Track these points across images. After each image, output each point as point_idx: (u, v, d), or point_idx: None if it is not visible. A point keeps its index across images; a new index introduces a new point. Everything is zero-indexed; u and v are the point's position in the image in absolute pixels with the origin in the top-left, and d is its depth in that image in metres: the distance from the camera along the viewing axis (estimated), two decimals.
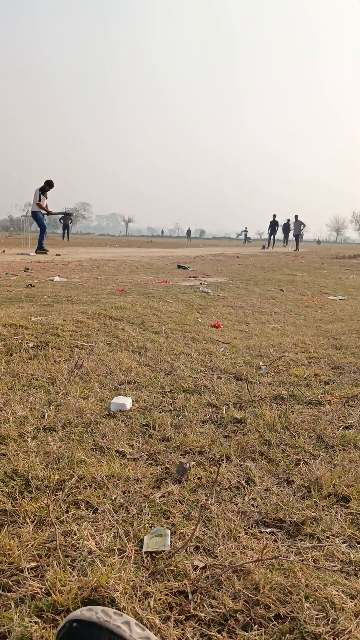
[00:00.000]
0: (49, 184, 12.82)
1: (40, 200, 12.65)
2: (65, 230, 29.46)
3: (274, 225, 26.96)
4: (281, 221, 27.13)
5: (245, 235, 48.78)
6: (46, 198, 12.85)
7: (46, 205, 12.84)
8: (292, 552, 1.22)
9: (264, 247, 28.67)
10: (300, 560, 1.19)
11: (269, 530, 1.32)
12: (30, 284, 5.72)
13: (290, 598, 1.06)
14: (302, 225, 24.73)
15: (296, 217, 24.50)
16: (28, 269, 8.04)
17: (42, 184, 12.76)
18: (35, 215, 12.86)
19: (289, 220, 26.39)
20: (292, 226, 25.49)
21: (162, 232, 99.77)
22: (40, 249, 13.07)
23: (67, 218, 29.38)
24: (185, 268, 9.61)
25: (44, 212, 12.84)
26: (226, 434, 1.92)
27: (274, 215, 26.72)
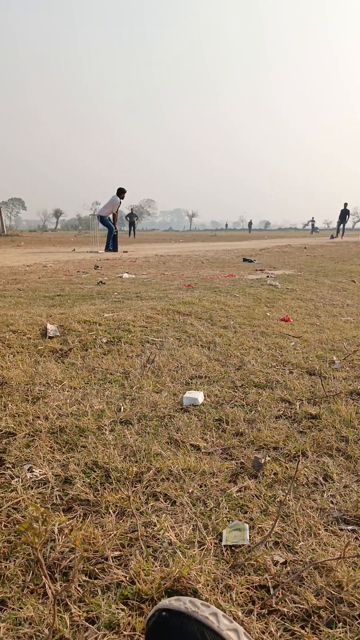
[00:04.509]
0: (124, 192, 13.33)
1: (117, 210, 13.29)
2: (132, 228, 30.07)
3: (344, 214, 26.13)
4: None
5: (313, 225, 47.53)
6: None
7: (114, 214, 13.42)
8: None
9: (332, 237, 27.84)
10: None
11: (350, 527, 1.29)
12: (101, 281, 5.89)
13: None
14: (347, 216, 24.59)
15: (345, 204, 24.07)
16: (98, 266, 8.28)
17: (115, 192, 13.22)
18: (102, 219, 13.40)
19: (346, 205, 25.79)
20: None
21: (226, 225, 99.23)
22: (108, 249, 13.54)
23: (132, 215, 30.02)
24: (251, 261, 9.51)
25: (113, 221, 13.38)
26: (301, 429, 1.89)
27: (345, 204, 25.84)
